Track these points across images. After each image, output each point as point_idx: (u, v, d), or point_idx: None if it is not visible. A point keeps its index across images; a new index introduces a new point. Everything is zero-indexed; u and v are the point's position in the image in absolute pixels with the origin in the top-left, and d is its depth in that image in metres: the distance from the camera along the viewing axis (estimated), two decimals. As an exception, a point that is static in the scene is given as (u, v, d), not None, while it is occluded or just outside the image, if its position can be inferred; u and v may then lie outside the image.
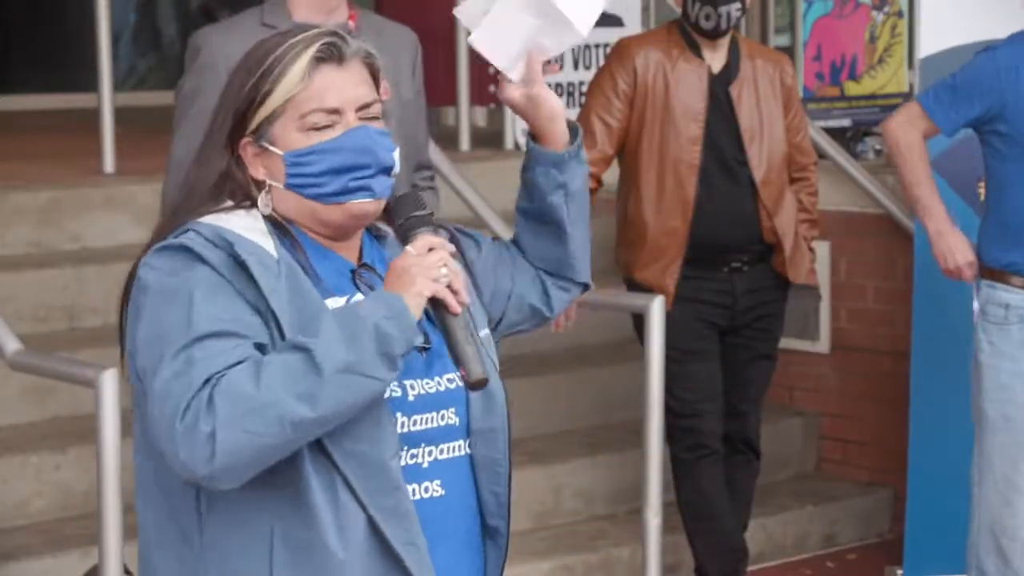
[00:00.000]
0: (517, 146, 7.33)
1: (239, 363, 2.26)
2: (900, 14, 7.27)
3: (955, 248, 4.80)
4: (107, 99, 6.49)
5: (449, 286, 2.36)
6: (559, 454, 5.87)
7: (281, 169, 2.41)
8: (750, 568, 5.56)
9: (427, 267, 2.35)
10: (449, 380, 2.46)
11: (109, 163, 6.46)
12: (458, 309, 2.37)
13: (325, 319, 2.29)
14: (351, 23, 4.18)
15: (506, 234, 5.64)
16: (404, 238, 2.44)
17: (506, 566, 2.60)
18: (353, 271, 2.48)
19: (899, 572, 5.62)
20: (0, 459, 5.04)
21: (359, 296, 2.44)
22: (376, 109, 2.45)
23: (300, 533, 2.32)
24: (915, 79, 5.69)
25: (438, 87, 8.04)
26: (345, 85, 2.41)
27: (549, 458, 5.82)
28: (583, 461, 5.88)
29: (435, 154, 5.69)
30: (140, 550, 2.51)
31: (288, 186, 2.42)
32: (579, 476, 5.86)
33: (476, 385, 2.37)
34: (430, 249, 2.38)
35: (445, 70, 7.79)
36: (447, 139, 6.88)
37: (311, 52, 2.40)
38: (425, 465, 2.42)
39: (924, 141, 4.83)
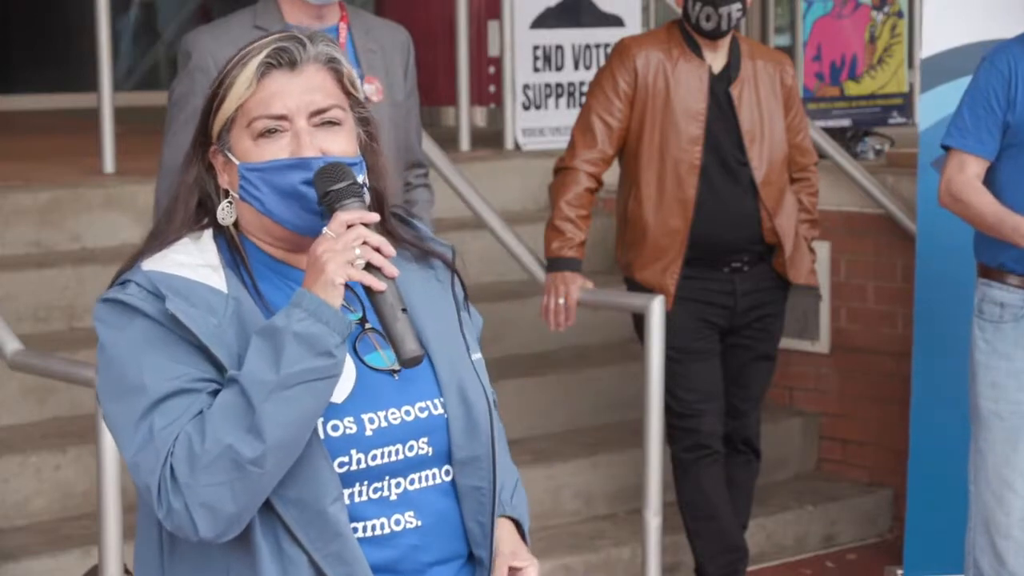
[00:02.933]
0: (517, 146, 7.33)
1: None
2: (900, 14, 7.28)
3: None
4: (107, 99, 6.49)
5: (368, 265, 2.27)
6: (559, 454, 5.87)
7: (238, 178, 2.38)
8: (750, 568, 5.56)
9: (340, 251, 2.26)
10: (421, 409, 2.39)
11: (109, 163, 6.46)
12: (380, 287, 2.28)
13: (252, 343, 2.25)
14: (343, 24, 4.16)
15: (505, 233, 5.64)
16: (329, 215, 2.33)
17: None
18: None
19: (899, 572, 5.62)
20: (0, 459, 5.04)
21: None
22: (334, 114, 2.37)
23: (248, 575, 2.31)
24: (915, 79, 5.69)
25: (438, 87, 8.07)
26: (294, 91, 2.35)
27: (549, 458, 5.82)
28: (583, 461, 5.87)
29: (435, 154, 5.69)
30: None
31: (242, 197, 2.38)
32: (579, 476, 5.85)
33: (408, 364, 2.28)
34: (349, 227, 2.29)
35: (445, 70, 7.80)
36: (447, 139, 6.86)
37: (259, 58, 2.35)
38: (393, 498, 2.36)
39: (976, 180, 4.65)
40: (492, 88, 8.02)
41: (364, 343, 2.39)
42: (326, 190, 2.31)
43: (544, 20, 7.41)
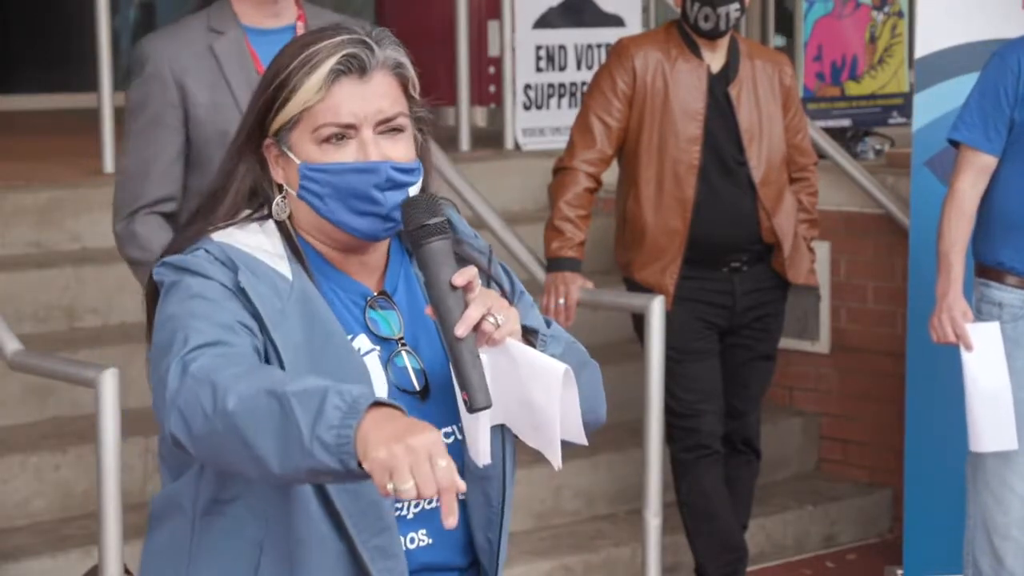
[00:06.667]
0: (517, 146, 7.33)
1: (218, 343, 2.22)
2: (900, 14, 7.28)
3: (950, 321, 4.73)
4: (107, 99, 6.49)
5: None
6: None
7: (296, 176, 2.37)
8: (750, 568, 5.56)
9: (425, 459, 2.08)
10: (446, 434, 2.39)
11: (109, 163, 6.45)
12: (464, 333, 2.27)
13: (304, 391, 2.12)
14: (300, 23, 4.09)
15: (505, 233, 5.64)
16: (415, 247, 2.34)
17: (506, 566, 2.58)
18: (368, 299, 2.42)
19: (899, 572, 5.62)
20: (0, 459, 5.04)
21: (363, 339, 2.37)
22: (400, 122, 2.38)
23: (285, 558, 2.30)
24: (915, 79, 5.69)
25: (438, 87, 8.06)
26: (363, 100, 2.35)
27: (549, 458, 5.81)
28: (583, 461, 5.87)
29: (435, 154, 5.70)
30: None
31: (300, 196, 2.38)
32: (579, 476, 5.86)
33: (475, 410, 2.29)
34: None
35: (445, 70, 7.79)
36: (447, 139, 6.87)
37: (330, 64, 2.34)
38: (410, 516, 2.38)
39: (971, 197, 4.72)
40: (492, 88, 8.02)
41: (396, 363, 2.40)
42: (422, 223, 2.33)
43: (546, 20, 7.41)
